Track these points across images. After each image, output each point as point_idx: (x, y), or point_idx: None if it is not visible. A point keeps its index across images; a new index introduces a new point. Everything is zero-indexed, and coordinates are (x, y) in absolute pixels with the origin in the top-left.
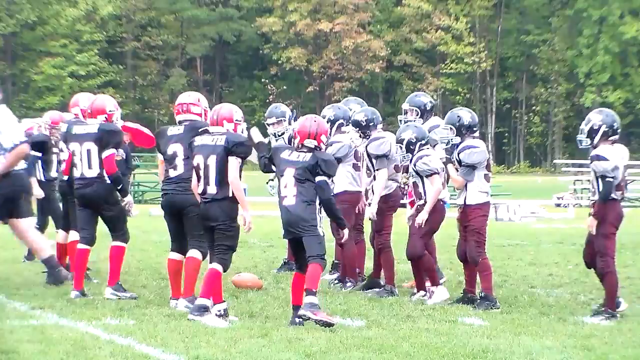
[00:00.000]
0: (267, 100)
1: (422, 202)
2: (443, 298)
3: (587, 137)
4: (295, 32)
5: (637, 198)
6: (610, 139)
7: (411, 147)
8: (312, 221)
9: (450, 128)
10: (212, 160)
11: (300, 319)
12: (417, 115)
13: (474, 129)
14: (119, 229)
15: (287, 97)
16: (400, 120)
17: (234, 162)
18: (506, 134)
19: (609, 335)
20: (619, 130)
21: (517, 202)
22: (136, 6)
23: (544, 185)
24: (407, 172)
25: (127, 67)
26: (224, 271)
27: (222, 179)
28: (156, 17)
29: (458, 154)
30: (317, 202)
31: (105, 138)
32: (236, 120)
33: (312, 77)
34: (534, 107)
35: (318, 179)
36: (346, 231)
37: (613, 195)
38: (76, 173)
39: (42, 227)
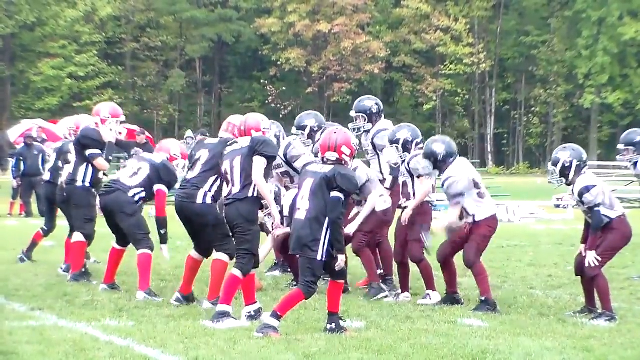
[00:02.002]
0: (267, 102)
1: (408, 202)
2: (437, 301)
3: (560, 177)
4: (294, 33)
5: (637, 199)
6: (582, 171)
7: (408, 146)
8: (313, 245)
9: (427, 161)
10: (237, 161)
11: (332, 327)
12: (365, 120)
13: (450, 159)
14: (139, 239)
15: (286, 98)
16: (353, 128)
17: (258, 160)
18: (505, 135)
19: (608, 337)
20: (587, 162)
21: (516, 203)
22: (135, 7)
23: (543, 186)
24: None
25: (126, 68)
26: (244, 276)
27: (246, 178)
28: (155, 18)
29: (442, 185)
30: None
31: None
32: (264, 128)
33: (312, 78)
34: (533, 108)
35: (333, 194)
36: (342, 257)
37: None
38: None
39: (50, 230)
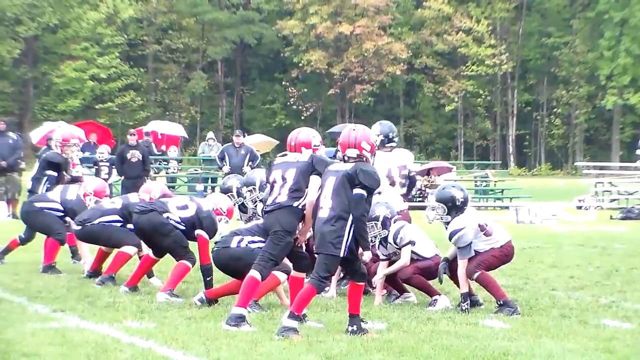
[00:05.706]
0: (288, 103)
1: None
2: (446, 306)
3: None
4: (316, 34)
5: None
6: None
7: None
8: (337, 242)
9: (441, 207)
10: (291, 174)
11: (354, 329)
12: None
13: (465, 208)
14: (179, 254)
15: (308, 100)
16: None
17: (315, 180)
18: (527, 137)
19: (630, 338)
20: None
21: (538, 204)
22: (157, 9)
23: (565, 187)
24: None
25: (148, 70)
26: (262, 279)
27: (296, 190)
28: (177, 20)
29: (449, 237)
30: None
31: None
32: (314, 145)
33: (333, 80)
34: (555, 110)
35: (355, 191)
36: (368, 253)
37: None
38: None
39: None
